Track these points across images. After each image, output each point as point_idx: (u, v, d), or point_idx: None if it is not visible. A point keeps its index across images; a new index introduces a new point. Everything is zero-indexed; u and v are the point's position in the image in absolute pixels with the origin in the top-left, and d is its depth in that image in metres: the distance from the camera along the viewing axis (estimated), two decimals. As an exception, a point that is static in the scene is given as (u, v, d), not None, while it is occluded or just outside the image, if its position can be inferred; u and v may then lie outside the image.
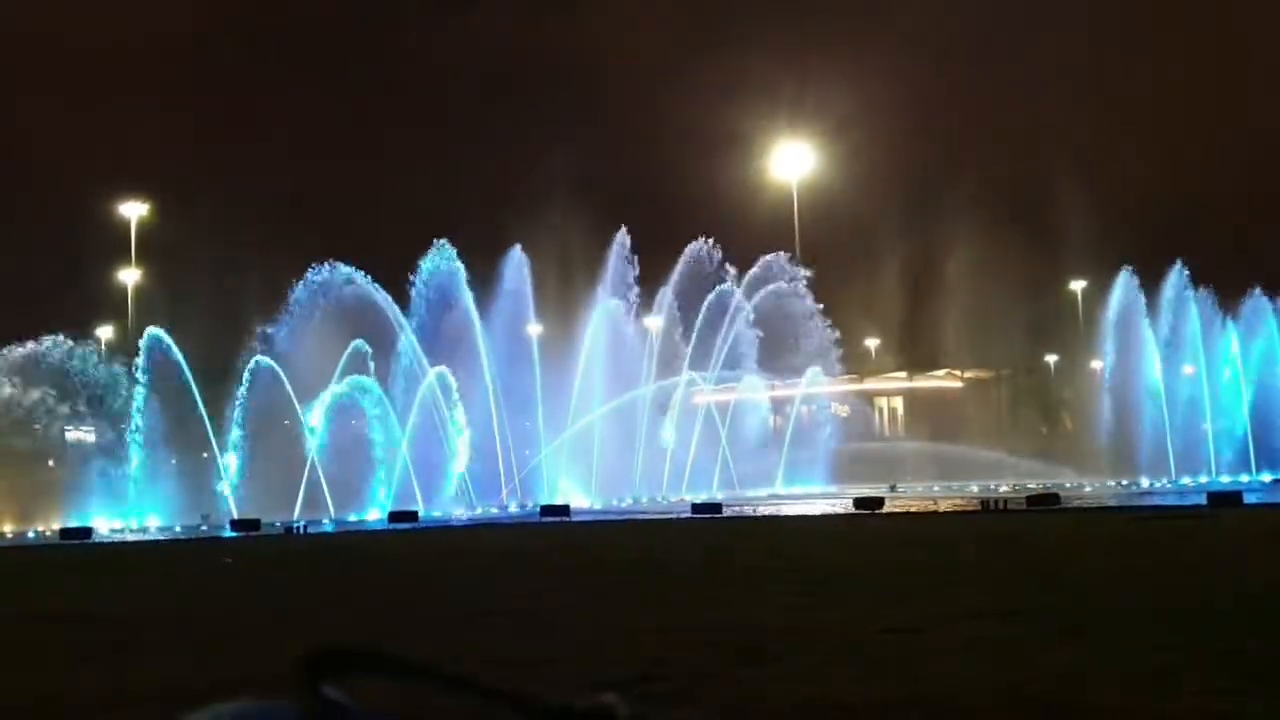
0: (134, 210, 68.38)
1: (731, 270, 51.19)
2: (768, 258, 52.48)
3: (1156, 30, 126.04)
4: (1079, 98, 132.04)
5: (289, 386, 39.38)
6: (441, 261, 44.44)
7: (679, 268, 50.84)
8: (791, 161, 71.38)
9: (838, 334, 53.77)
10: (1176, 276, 49.53)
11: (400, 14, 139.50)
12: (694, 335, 50.31)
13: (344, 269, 42.09)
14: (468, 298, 44.53)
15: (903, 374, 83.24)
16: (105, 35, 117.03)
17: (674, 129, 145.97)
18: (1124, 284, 50.30)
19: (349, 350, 39.93)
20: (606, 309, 48.50)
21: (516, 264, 47.19)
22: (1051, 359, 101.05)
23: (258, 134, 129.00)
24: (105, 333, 77.36)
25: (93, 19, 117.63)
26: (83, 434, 42.27)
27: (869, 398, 76.98)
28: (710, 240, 51.43)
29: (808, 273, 53.30)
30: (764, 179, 73.33)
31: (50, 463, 37.79)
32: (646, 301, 51.21)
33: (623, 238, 50.00)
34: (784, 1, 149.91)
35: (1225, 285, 49.83)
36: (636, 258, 50.21)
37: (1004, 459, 51.69)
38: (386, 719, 1.15)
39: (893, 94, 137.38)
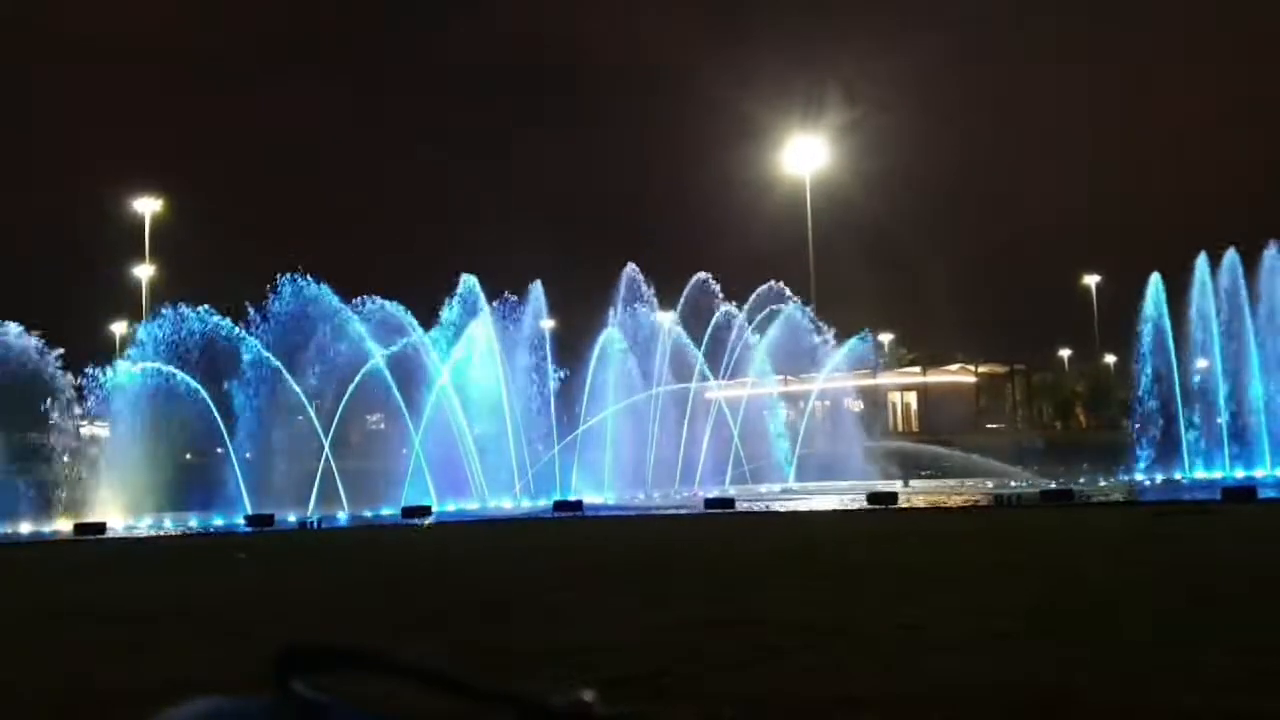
0: (147, 206, 68.63)
1: (732, 305, 52.30)
2: (762, 289, 53.24)
3: (1177, 28, 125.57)
4: (1101, 97, 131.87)
5: (301, 392, 39.57)
6: (463, 295, 45.06)
7: (684, 294, 51.85)
8: (804, 156, 71.28)
9: (833, 339, 54.11)
10: (1201, 270, 49.12)
11: (403, 14, 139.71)
12: (703, 347, 51.06)
13: (376, 300, 42.45)
14: (487, 321, 45.03)
15: (916, 369, 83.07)
16: (113, 33, 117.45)
17: (683, 125, 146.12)
18: (1154, 286, 49.81)
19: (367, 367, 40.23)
20: (610, 340, 49.40)
21: (535, 298, 48.02)
22: (1065, 353, 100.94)
23: (260, 133, 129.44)
24: (119, 328, 77.88)
25: (98, 17, 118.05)
26: (96, 430, 42.36)
27: (883, 393, 76.79)
28: (711, 276, 52.44)
29: (805, 303, 54.06)
30: (777, 173, 73.33)
31: (65, 458, 37.82)
32: (663, 304, 51.98)
33: (632, 271, 51.00)
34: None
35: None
36: (644, 280, 51.01)
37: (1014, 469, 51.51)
38: (360, 716, 1.14)
39: (910, 90, 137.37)
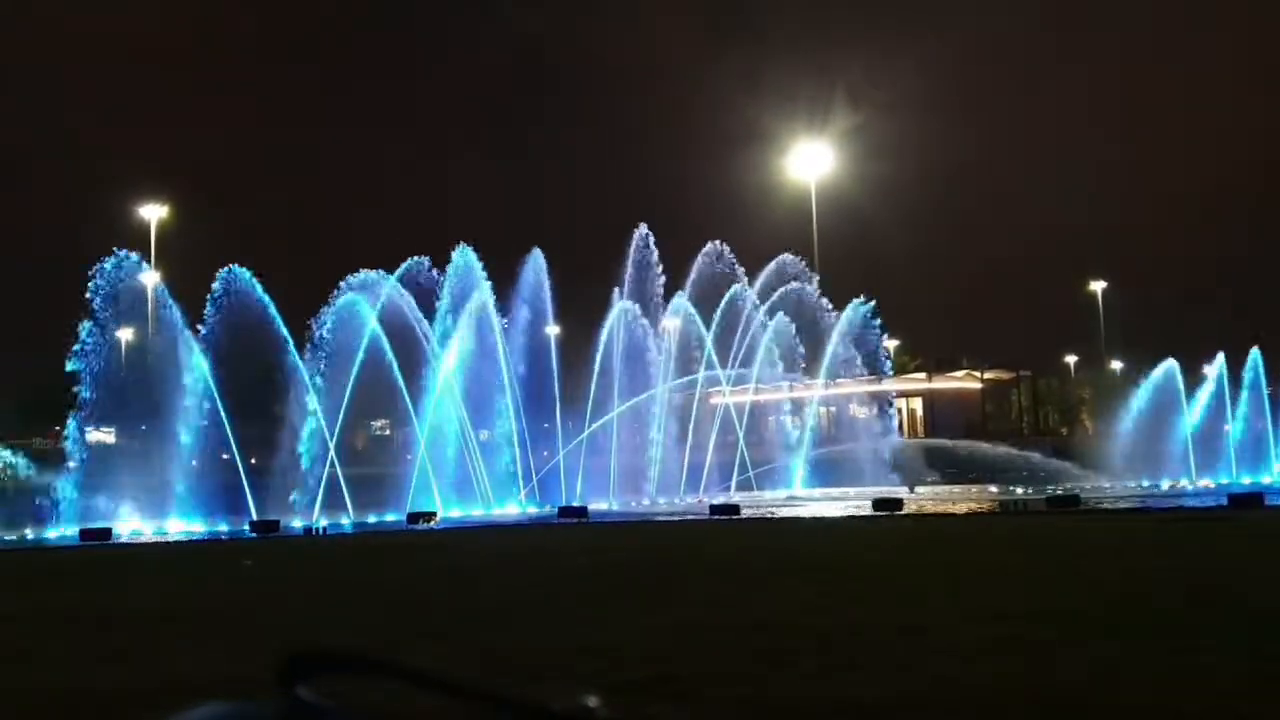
0: (153, 212, 68.77)
1: (743, 272, 50.23)
2: (774, 264, 51.61)
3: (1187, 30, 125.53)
4: (1109, 100, 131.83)
5: (309, 390, 39.30)
6: (462, 265, 43.63)
7: (694, 270, 50.01)
8: (810, 161, 71.31)
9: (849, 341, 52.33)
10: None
11: (403, 14, 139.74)
12: (710, 335, 49.45)
13: (371, 275, 41.36)
14: (488, 300, 43.82)
15: (922, 375, 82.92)
16: (121, 36, 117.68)
17: (691, 128, 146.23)
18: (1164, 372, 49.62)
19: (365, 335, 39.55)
20: (623, 310, 47.74)
21: (535, 267, 46.34)
22: (1071, 359, 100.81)
23: (273, 133, 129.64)
24: (125, 334, 77.91)
25: (105, 18, 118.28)
26: (102, 435, 42.34)
27: (888, 399, 76.61)
28: (722, 243, 50.28)
29: (816, 278, 52.43)
30: (782, 178, 73.32)
31: (71, 464, 37.82)
32: (665, 297, 49.94)
33: (643, 234, 49.08)
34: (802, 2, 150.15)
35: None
36: (657, 254, 48.97)
37: (1031, 457, 50.82)
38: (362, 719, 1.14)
39: (914, 94, 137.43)
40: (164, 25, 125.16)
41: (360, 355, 39.34)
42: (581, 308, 51.14)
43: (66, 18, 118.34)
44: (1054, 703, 6.14)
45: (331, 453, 39.43)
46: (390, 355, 39.95)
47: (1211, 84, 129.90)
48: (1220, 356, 49.92)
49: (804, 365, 52.31)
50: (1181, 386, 49.54)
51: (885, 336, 55.27)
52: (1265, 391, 49.33)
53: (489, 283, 43.97)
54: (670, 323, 50.61)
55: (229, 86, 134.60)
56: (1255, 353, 49.35)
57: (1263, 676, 6.60)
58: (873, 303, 51.64)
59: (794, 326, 50.56)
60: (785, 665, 7.41)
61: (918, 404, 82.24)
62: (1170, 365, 49.67)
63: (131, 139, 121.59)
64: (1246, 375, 49.48)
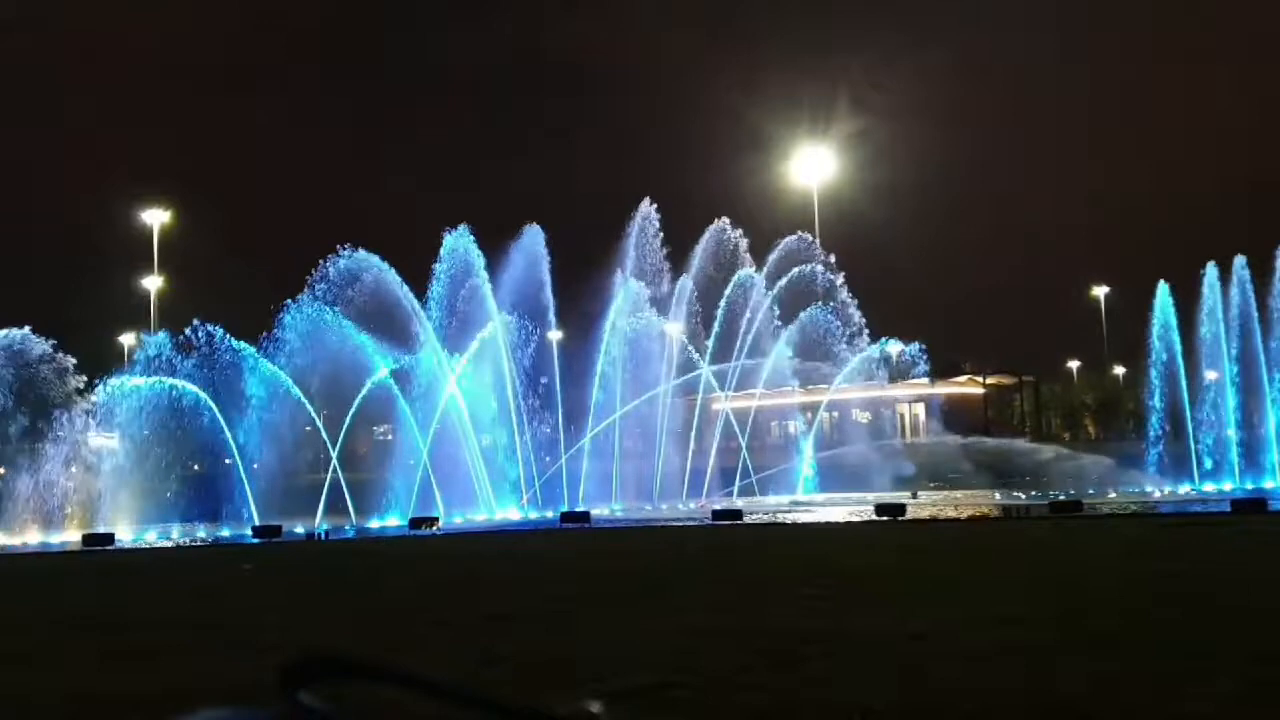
0: (156, 217, 68.94)
1: (749, 259, 49.13)
2: (781, 245, 50.23)
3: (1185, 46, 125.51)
4: (1109, 100, 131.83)
5: (305, 398, 39.18)
6: (459, 246, 42.70)
7: (698, 251, 48.80)
8: (812, 166, 71.35)
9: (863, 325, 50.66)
10: (1210, 283, 48.57)
11: (419, 12, 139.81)
12: (715, 323, 48.52)
13: (363, 255, 40.58)
14: (485, 286, 43.02)
15: (925, 380, 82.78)
16: (121, 36, 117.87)
17: (692, 129, 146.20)
18: (1161, 297, 48.94)
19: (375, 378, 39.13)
20: (629, 292, 46.85)
21: (533, 242, 45.13)
22: (1074, 364, 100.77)
23: (273, 133, 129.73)
24: (127, 340, 78.09)
25: (105, 18, 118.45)
26: (105, 440, 42.33)
27: (890, 403, 76.50)
28: (729, 222, 49.09)
29: (832, 263, 50.94)
30: (785, 184, 73.36)
31: (72, 469, 37.88)
32: (672, 278, 48.72)
33: (647, 210, 48.13)
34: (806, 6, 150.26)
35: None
36: (661, 235, 48.11)
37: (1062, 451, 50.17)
38: None
39: (915, 95, 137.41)
40: (165, 26, 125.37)
41: (370, 378, 39.31)
42: (583, 310, 50.80)
43: (67, 18, 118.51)
44: (1054, 707, 6.13)
45: (334, 458, 39.43)
46: (397, 392, 39.81)
47: (1211, 84, 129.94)
48: (1210, 266, 49.20)
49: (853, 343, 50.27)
50: (1185, 388, 49.45)
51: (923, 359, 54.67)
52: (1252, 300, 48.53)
53: (485, 268, 43.43)
54: (672, 327, 50.20)
55: (229, 86, 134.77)
56: (1240, 261, 48.76)
57: (1263, 683, 6.59)
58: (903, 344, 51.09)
59: (832, 285, 49.08)
60: (786, 669, 7.40)
61: (920, 409, 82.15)
62: (1162, 287, 49.03)
63: (132, 139, 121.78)
64: (1234, 288, 48.77)
